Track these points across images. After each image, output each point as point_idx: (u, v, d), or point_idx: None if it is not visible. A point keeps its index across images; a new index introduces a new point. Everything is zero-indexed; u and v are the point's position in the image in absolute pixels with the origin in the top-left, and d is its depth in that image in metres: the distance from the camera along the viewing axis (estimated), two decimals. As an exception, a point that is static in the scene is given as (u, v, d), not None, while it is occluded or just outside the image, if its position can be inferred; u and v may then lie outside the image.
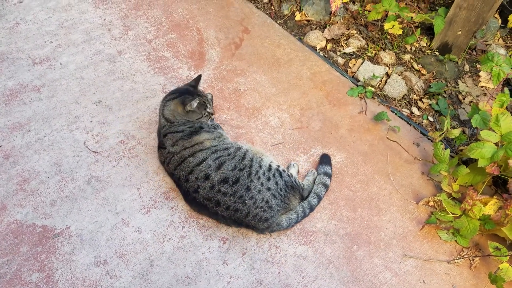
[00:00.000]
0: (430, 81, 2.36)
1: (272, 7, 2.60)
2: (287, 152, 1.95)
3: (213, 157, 1.62)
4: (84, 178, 1.70)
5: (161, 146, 1.72)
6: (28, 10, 2.32)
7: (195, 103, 1.77)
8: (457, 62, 2.43)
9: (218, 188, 1.55)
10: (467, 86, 2.37)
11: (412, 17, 2.30)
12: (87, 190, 1.67)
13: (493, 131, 1.66)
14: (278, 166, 1.73)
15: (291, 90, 2.21)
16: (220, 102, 2.09)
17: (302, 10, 2.57)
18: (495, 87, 1.89)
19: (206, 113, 1.85)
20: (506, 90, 1.85)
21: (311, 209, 1.73)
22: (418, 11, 2.61)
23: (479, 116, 1.78)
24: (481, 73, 2.44)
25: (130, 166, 1.77)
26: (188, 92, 1.83)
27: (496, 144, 1.64)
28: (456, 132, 1.83)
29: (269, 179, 1.64)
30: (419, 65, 2.42)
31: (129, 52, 2.22)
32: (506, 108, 1.74)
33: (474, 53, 2.50)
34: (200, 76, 1.92)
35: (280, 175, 1.68)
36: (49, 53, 2.14)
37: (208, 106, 1.86)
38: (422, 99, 2.30)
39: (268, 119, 2.07)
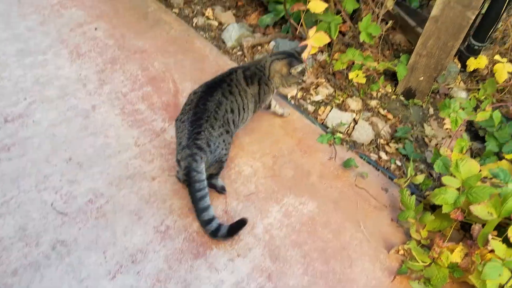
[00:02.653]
0: (397, 125, 2.31)
1: (246, 59, 2.55)
2: (260, 202, 1.86)
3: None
4: (49, 242, 1.57)
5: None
6: (4, 67, 2.24)
7: (300, 67, 1.88)
8: (422, 106, 2.40)
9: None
10: (432, 129, 2.33)
11: (375, 66, 2.27)
12: (52, 256, 1.53)
13: (454, 176, 1.60)
14: None
15: (264, 138, 2.14)
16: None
17: (273, 60, 2.54)
18: (455, 132, 1.84)
19: (301, 80, 1.96)
20: (465, 135, 1.81)
21: None
22: (383, 58, 2.60)
23: (441, 161, 1.72)
24: (440, 113, 2.40)
25: (97, 227, 1.64)
26: (294, 57, 1.92)
27: (458, 189, 1.58)
28: (420, 178, 1.76)
29: None
30: (386, 110, 2.38)
31: (103, 106, 2.13)
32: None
33: (438, 96, 2.47)
34: (307, 45, 2.01)
35: None
36: (22, 110, 2.04)
37: (305, 74, 1.96)
38: (389, 144, 2.24)
39: (242, 169, 1.98)
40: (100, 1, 2.71)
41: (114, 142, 1.99)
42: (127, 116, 2.11)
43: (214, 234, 1.64)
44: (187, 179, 1.63)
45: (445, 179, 1.60)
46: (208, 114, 1.70)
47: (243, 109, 1.85)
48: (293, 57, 1.92)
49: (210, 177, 1.77)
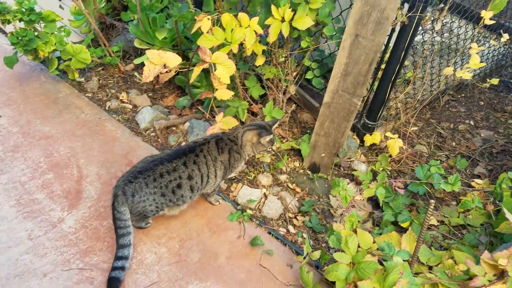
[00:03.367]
0: (304, 198, 2.44)
1: (159, 139, 2.62)
2: (162, 291, 1.80)
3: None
4: None
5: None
6: None
7: (268, 138, 2.07)
8: (327, 179, 2.57)
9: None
10: (337, 200, 2.48)
11: (279, 146, 2.44)
12: None
13: (345, 252, 1.69)
14: None
15: (171, 221, 2.14)
16: (92, 244, 1.94)
17: (188, 142, 2.63)
18: (346, 208, 1.98)
19: (270, 149, 2.18)
20: (354, 211, 1.96)
21: None
22: (292, 135, 2.81)
23: (335, 237, 1.82)
24: (348, 186, 2.58)
25: None
26: (264, 128, 2.13)
27: (351, 264, 1.66)
28: (317, 254, 1.84)
29: None
30: (294, 184, 2.52)
31: (-2, 198, 2.04)
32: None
33: (341, 169, 2.67)
34: (277, 120, 2.30)
35: None
36: None
37: (274, 144, 2.17)
38: (297, 217, 2.34)
39: (144, 256, 1.94)
40: (9, 87, 2.71)
41: (5, 236, 1.88)
42: (23, 207, 2.03)
43: (110, 282, 1.77)
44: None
45: (336, 256, 1.69)
46: (150, 174, 1.88)
47: (207, 176, 2.03)
48: (263, 128, 2.14)
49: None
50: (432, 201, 1.55)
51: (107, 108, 2.76)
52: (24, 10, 2.39)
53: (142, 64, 2.05)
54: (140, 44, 2.70)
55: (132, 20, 2.98)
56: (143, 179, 1.86)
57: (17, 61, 2.53)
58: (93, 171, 2.30)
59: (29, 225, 1.96)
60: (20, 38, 2.39)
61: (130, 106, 2.81)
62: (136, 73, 3.04)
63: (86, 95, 2.82)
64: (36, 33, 2.48)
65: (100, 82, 2.94)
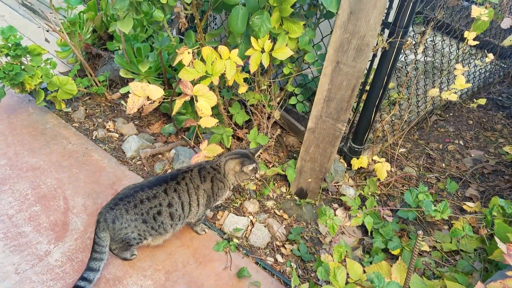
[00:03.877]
0: (292, 225, 2.48)
1: (145, 168, 2.68)
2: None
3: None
4: None
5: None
6: None
7: (251, 166, 2.12)
8: (315, 204, 2.62)
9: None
10: (326, 226, 2.52)
11: (264, 172, 2.49)
12: None
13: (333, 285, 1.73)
14: None
15: (157, 252, 2.18)
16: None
17: (174, 168, 2.69)
18: (333, 238, 2.02)
19: (254, 177, 2.20)
20: (342, 241, 2.00)
21: None
22: (278, 159, 2.87)
23: (322, 268, 1.86)
24: (337, 211, 2.63)
25: None
26: (247, 157, 2.18)
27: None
28: (305, 286, 1.87)
29: None
30: (281, 211, 2.56)
31: (-17, 233, 2.09)
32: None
33: (329, 193, 2.72)
34: (261, 146, 2.41)
35: None
36: None
37: (257, 172, 2.21)
38: (285, 245, 2.38)
39: (130, 290, 1.97)
40: (-4, 119, 2.79)
41: (-11, 272, 1.93)
42: (10, 241, 2.08)
43: None
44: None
45: (325, 288, 1.72)
46: (130, 200, 1.96)
47: (189, 204, 2.09)
48: (246, 157, 2.18)
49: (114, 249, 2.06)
50: (420, 232, 1.55)
51: (93, 137, 2.83)
52: (10, 45, 2.49)
53: (128, 93, 2.13)
54: (125, 73, 2.79)
55: (118, 49, 3.08)
56: (123, 206, 1.94)
57: (4, 95, 2.62)
58: (80, 202, 2.35)
59: (16, 258, 2.00)
60: (6, 73, 2.47)
61: (117, 135, 2.88)
62: (122, 102, 3.12)
63: (73, 125, 2.89)
64: (22, 67, 2.57)
65: (87, 111, 3.02)
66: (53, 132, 2.79)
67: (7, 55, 2.50)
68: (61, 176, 2.50)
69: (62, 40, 3.05)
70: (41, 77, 2.64)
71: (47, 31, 3.12)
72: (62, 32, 2.78)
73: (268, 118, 2.67)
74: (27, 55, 2.61)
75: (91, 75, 2.99)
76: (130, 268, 2.08)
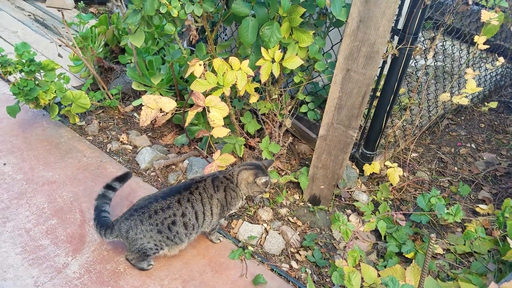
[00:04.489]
0: (306, 232, 2.54)
1: (159, 179, 2.76)
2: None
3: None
4: None
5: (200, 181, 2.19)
6: None
7: (264, 179, 2.18)
8: (328, 210, 2.67)
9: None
10: (339, 232, 2.57)
11: (278, 179, 2.56)
12: None
13: (347, 289, 1.78)
14: None
15: (173, 261, 2.25)
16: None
17: (187, 179, 2.76)
18: (347, 243, 2.07)
19: (264, 191, 2.27)
20: (356, 246, 2.05)
21: None
22: (290, 167, 2.93)
23: (337, 273, 1.91)
24: (350, 217, 2.68)
25: None
26: (261, 169, 2.25)
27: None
28: (319, 292, 1.92)
29: None
30: (295, 218, 2.62)
31: (3, 246, 2.18)
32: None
33: (342, 199, 2.77)
34: (272, 161, 2.48)
35: None
36: None
37: (268, 185, 2.27)
38: (299, 251, 2.43)
39: (148, 299, 2.04)
40: (12, 135, 2.89)
41: (11, 284, 2.00)
42: (29, 254, 2.16)
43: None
44: None
45: (339, 293, 1.78)
46: (144, 211, 2.04)
47: (203, 213, 2.16)
48: (260, 169, 2.25)
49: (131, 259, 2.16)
50: (433, 235, 1.62)
51: (108, 150, 2.92)
52: (24, 61, 2.60)
53: (141, 105, 2.23)
54: (138, 86, 2.89)
55: (130, 62, 3.19)
56: (137, 216, 2.03)
57: (19, 110, 2.72)
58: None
59: (35, 272, 2.08)
60: (21, 88, 2.58)
61: (130, 147, 2.97)
62: (135, 114, 3.22)
63: (87, 138, 2.99)
64: (36, 82, 2.68)
65: (101, 124, 3.12)
66: (68, 146, 2.89)
67: (21, 71, 2.61)
68: (77, 189, 2.58)
69: (74, 55, 3.17)
70: (55, 92, 2.74)
71: (60, 46, 3.24)
72: (75, 47, 2.90)
73: (280, 126, 2.74)
74: (41, 71, 2.72)
75: (104, 89, 3.10)
76: (148, 278, 2.15)
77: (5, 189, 2.50)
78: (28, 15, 4.41)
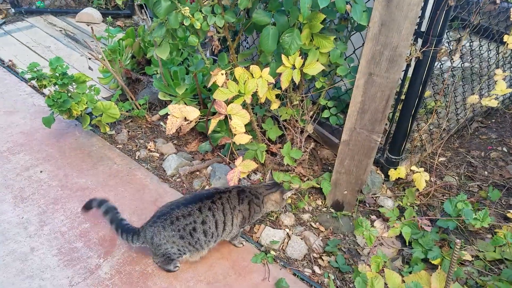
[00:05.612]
0: (329, 237, 2.62)
1: (185, 185, 2.94)
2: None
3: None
4: None
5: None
6: None
7: (290, 193, 2.45)
8: (352, 216, 2.75)
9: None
10: (363, 238, 2.64)
11: (300, 185, 2.67)
12: None
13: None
14: None
15: (198, 264, 2.40)
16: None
17: (211, 185, 2.92)
18: (371, 248, 2.14)
19: (283, 209, 2.61)
20: (380, 251, 2.12)
21: None
22: (312, 172, 3.03)
23: (360, 279, 1.99)
24: (375, 223, 2.75)
25: None
26: (278, 185, 2.50)
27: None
28: (341, 295, 2.01)
29: None
30: (317, 223, 2.72)
31: (41, 248, 2.40)
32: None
33: (367, 205, 2.84)
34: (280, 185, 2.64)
35: None
36: (-41, 260, 2.28)
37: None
38: (322, 257, 2.52)
39: (174, 300, 2.19)
40: (48, 144, 3.16)
41: (48, 284, 2.21)
42: (64, 256, 2.37)
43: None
44: None
45: (363, 299, 1.85)
46: (166, 217, 2.20)
47: (223, 223, 2.30)
48: (279, 185, 2.51)
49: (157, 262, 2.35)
50: (458, 240, 1.63)
51: (136, 157, 3.13)
52: (57, 75, 2.85)
53: (167, 114, 2.40)
54: (164, 96, 3.09)
55: (155, 73, 3.41)
56: (160, 223, 2.20)
57: (54, 121, 2.98)
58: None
59: (69, 272, 2.28)
60: (55, 100, 2.83)
61: (157, 155, 3.17)
62: (162, 123, 3.43)
63: (117, 146, 3.22)
64: (69, 94, 2.92)
65: (130, 133, 3.35)
66: (99, 154, 3.13)
67: (55, 84, 2.86)
68: (108, 195, 2.79)
69: (104, 67, 3.42)
70: (86, 103, 2.98)
71: (90, 59, 3.49)
72: (104, 60, 3.14)
73: (301, 132, 2.86)
74: (73, 83, 2.96)
75: (132, 99, 3.33)
76: (174, 279, 2.30)
77: (42, 195, 2.74)
78: (60, 30, 4.75)
